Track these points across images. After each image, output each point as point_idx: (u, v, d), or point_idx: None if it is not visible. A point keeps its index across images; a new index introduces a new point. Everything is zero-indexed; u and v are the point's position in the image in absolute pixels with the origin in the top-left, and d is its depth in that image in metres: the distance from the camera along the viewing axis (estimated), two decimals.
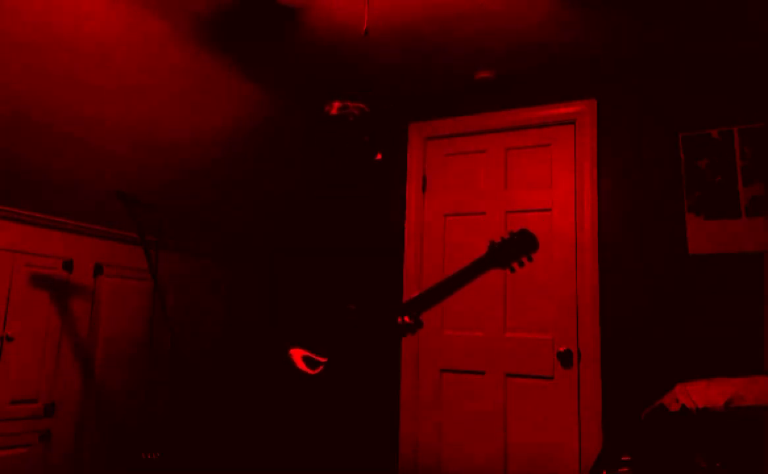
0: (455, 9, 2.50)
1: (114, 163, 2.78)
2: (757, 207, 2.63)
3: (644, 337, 2.78)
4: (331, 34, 2.72)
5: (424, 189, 3.43)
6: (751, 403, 2.00)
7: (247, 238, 3.67)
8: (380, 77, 3.21)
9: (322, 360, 1.93)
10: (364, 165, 2.12)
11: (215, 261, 3.63)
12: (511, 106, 3.25)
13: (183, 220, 3.23)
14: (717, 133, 2.75)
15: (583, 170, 3.03)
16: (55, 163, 2.58)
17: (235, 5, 2.47)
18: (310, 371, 1.92)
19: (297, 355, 1.95)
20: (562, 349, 2.95)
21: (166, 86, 2.77)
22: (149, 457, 2.41)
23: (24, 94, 2.33)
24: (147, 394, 3.08)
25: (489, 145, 3.31)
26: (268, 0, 2.41)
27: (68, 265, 2.75)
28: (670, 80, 2.92)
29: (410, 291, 3.26)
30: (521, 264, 1.91)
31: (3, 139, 2.37)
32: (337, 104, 2.15)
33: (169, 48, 2.66)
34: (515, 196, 3.20)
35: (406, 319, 1.94)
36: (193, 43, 2.72)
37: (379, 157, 2.13)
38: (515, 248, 1.91)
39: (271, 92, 3.26)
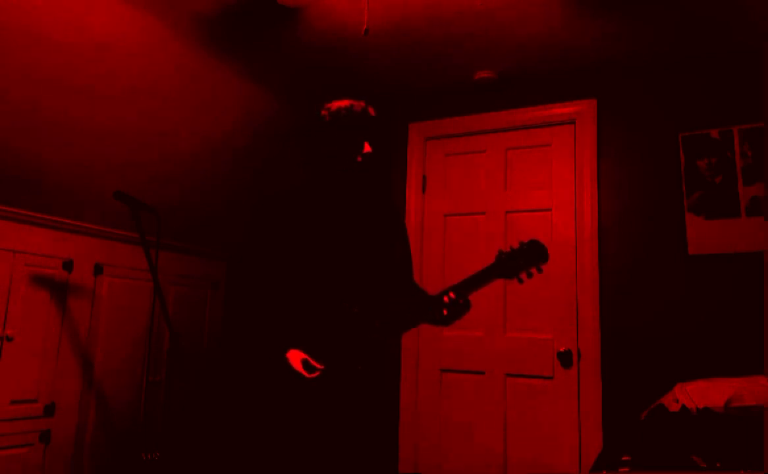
0: (455, 9, 2.50)
1: (114, 163, 2.79)
2: (757, 207, 2.63)
3: (644, 337, 2.78)
4: (331, 34, 2.72)
5: (424, 189, 3.43)
6: (751, 403, 2.00)
7: (247, 237, 3.67)
8: (380, 77, 3.22)
9: (320, 367, 1.92)
10: (357, 162, 2.04)
11: (215, 261, 3.64)
12: (511, 106, 3.25)
13: (183, 220, 3.23)
14: (717, 133, 2.75)
15: (583, 170, 3.03)
16: (56, 163, 2.58)
17: (234, 5, 2.47)
18: (306, 374, 1.90)
19: (296, 357, 1.93)
20: (562, 349, 2.95)
21: (165, 86, 2.77)
22: (149, 457, 2.40)
23: (24, 95, 2.33)
24: (147, 394, 3.08)
25: (489, 145, 3.31)
26: (268, 0, 2.40)
27: (68, 265, 2.75)
28: (670, 80, 2.92)
29: None
30: (530, 275, 1.84)
31: (3, 139, 2.37)
32: (335, 104, 2.09)
33: (169, 48, 2.66)
34: (515, 196, 3.20)
35: (452, 295, 1.89)
36: (192, 44, 2.72)
37: (368, 149, 1.99)
38: (524, 259, 1.84)
39: (270, 92, 3.26)
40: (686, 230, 2.76)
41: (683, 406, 2.11)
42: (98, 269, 2.90)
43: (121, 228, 2.96)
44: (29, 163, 2.50)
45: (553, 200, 3.11)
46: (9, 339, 2.50)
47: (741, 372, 2.31)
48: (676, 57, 2.88)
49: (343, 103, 2.07)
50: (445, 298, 1.89)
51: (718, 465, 1.69)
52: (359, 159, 2.02)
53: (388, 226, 2.15)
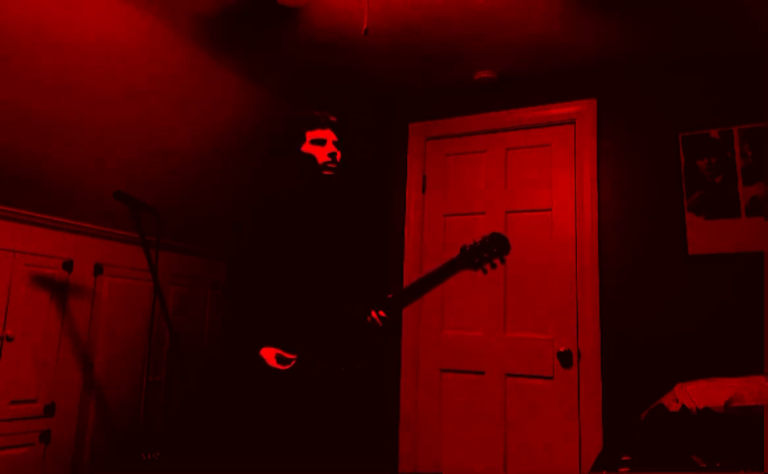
0: (455, 8, 2.50)
1: (114, 163, 2.79)
2: (757, 207, 2.63)
3: (644, 337, 2.78)
4: (331, 34, 2.72)
5: (424, 189, 3.43)
6: (751, 403, 2.00)
7: (246, 237, 3.67)
8: (380, 77, 3.22)
9: (292, 357, 1.97)
10: (319, 165, 2.15)
11: (215, 261, 3.63)
12: (511, 106, 3.25)
13: (183, 220, 3.23)
14: (717, 133, 2.75)
15: (583, 170, 3.03)
16: (56, 163, 2.58)
17: (234, 5, 2.47)
18: (281, 368, 1.96)
19: (269, 354, 1.98)
20: (562, 349, 2.95)
21: (165, 86, 2.77)
22: (149, 457, 2.40)
23: (24, 95, 2.33)
24: (147, 393, 3.08)
25: (489, 145, 3.31)
26: (267, 0, 2.41)
27: (68, 265, 2.75)
28: (670, 80, 2.92)
29: None
30: (493, 266, 1.98)
31: (3, 139, 2.37)
32: (299, 113, 2.21)
33: (169, 48, 2.66)
34: (515, 196, 3.20)
35: (381, 313, 1.98)
36: (192, 43, 2.72)
37: (331, 150, 2.15)
38: (487, 251, 1.98)
39: (270, 92, 3.26)
40: (686, 230, 2.76)
41: (683, 406, 2.11)
42: (98, 269, 2.90)
43: (121, 228, 2.96)
44: (29, 163, 2.50)
45: (553, 200, 3.10)
46: (9, 339, 2.50)
47: (741, 372, 2.31)
48: (676, 57, 2.88)
49: (308, 112, 2.19)
50: (368, 318, 1.99)
51: (718, 465, 1.69)
52: (323, 161, 2.13)
53: (345, 232, 2.23)
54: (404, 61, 3.01)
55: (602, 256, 2.93)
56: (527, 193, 3.17)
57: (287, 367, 1.96)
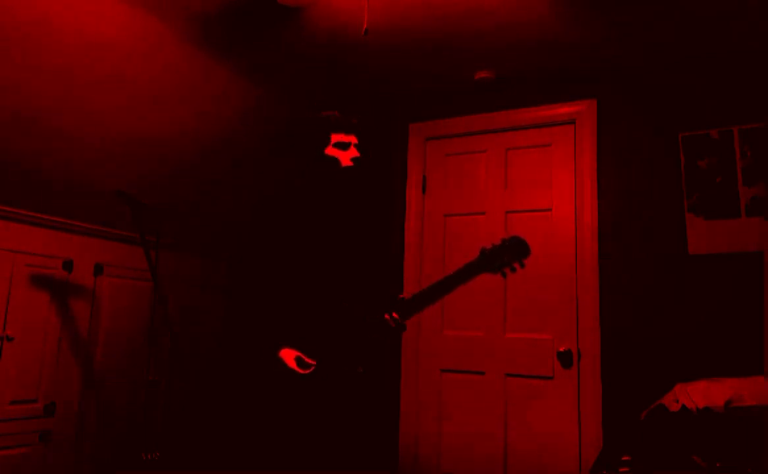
0: (455, 9, 2.50)
1: (114, 163, 2.79)
2: (757, 207, 2.63)
3: (644, 337, 2.78)
4: (331, 35, 2.72)
5: (424, 189, 3.43)
6: (751, 403, 2.00)
7: (246, 237, 3.67)
8: (380, 77, 3.21)
9: (312, 362, 1.95)
10: (354, 167, 2.15)
11: (215, 261, 3.63)
12: (511, 106, 3.25)
13: (183, 220, 3.23)
14: (717, 133, 2.75)
15: (583, 170, 3.03)
16: (55, 163, 2.58)
17: (234, 5, 2.47)
18: (301, 371, 1.94)
19: (289, 355, 1.96)
20: (562, 349, 2.95)
21: (166, 86, 2.77)
22: (149, 457, 2.40)
23: (23, 94, 2.33)
24: (147, 393, 3.08)
25: (489, 145, 3.31)
26: (268, 0, 2.40)
27: (68, 265, 2.75)
28: (670, 80, 2.92)
29: (410, 291, 3.25)
30: (513, 269, 1.95)
31: (3, 139, 2.37)
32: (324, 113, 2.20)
33: (169, 48, 2.66)
34: (515, 196, 3.20)
35: (394, 315, 1.95)
36: (193, 43, 2.72)
37: (354, 155, 2.16)
38: (507, 255, 1.95)
39: (270, 92, 3.26)
40: (686, 230, 2.76)
41: (683, 406, 2.11)
42: (98, 269, 2.90)
43: (121, 228, 2.96)
44: (29, 163, 2.50)
45: (553, 200, 3.10)
46: (9, 339, 2.50)
47: (741, 372, 2.31)
48: (676, 57, 2.88)
49: (334, 113, 2.19)
50: (386, 316, 1.96)
51: (718, 465, 1.69)
52: (345, 166, 2.15)
53: (355, 234, 2.24)
54: (404, 61, 3.01)
55: (602, 256, 2.93)
56: (527, 193, 3.17)
57: (307, 371, 1.95)
